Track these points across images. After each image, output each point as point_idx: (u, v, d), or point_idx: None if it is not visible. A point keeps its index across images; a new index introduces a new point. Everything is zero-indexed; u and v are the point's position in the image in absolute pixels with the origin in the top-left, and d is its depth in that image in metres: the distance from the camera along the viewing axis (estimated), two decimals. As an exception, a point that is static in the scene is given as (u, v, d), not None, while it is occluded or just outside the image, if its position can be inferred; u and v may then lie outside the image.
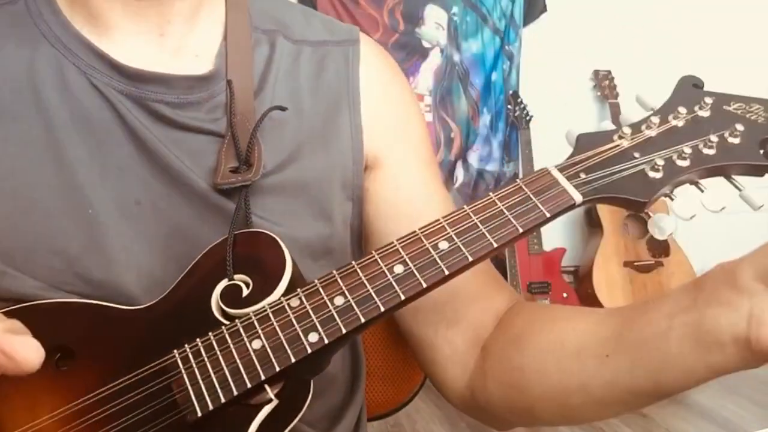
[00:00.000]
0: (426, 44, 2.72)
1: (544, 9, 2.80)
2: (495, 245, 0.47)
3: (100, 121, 0.53)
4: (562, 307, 0.58)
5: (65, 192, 0.52)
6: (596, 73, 2.87)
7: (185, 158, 0.54)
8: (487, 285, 0.61)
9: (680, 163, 0.49)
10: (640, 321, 0.46)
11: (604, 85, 2.82)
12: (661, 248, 2.65)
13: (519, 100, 2.72)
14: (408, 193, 0.63)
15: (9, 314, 0.47)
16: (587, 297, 2.67)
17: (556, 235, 2.81)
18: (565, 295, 2.69)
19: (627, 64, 2.87)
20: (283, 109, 0.57)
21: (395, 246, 0.48)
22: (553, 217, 0.48)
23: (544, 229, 2.61)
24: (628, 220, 2.67)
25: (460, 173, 2.79)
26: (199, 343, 0.46)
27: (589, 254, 2.71)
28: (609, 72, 2.86)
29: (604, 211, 2.64)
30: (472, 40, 2.76)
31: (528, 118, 2.68)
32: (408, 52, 2.69)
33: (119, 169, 0.53)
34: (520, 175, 2.78)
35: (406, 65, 2.69)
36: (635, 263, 2.64)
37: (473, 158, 2.79)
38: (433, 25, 2.72)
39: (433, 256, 0.47)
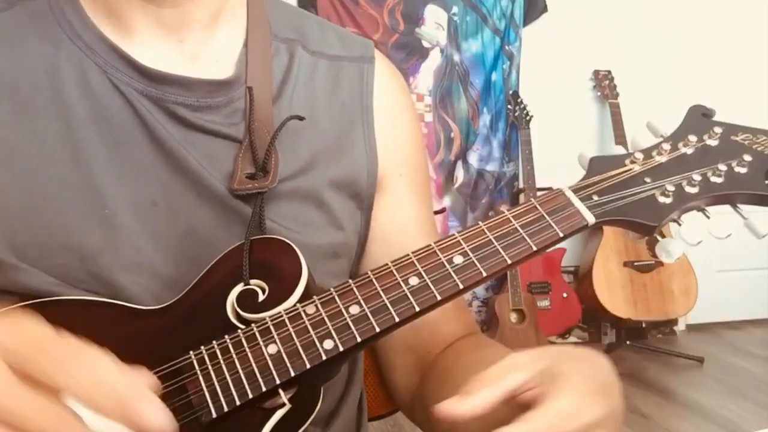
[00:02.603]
0: (426, 44, 2.72)
1: (544, 9, 2.81)
2: (509, 262, 0.48)
3: (119, 121, 0.54)
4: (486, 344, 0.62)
5: (81, 190, 0.52)
6: (596, 73, 2.88)
7: (203, 160, 0.55)
8: (447, 311, 0.62)
9: (689, 189, 0.50)
10: None
11: (604, 85, 2.83)
12: (660, 248, 2.66)
13: (519, 100, 2.72)
14: (401, 224, 0.65)
15: (28, 309, 0.47)
16: (587, 297, 2.68)
17: (554, 235, 2.81)
18: (564, 295, 2.69)
19: (627, 64, 2.88)
20: (301, 118, 0.57)
21: (411, 258, 0.49)
22: (566, 236, 0.49)
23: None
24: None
25: (460, 173, 2.80)
26: (215, 346, 0.47)
27: (589, 254, 2.71)
28: (609, 72, 2.87)
29: (603, 210, 2.66)
30: (472, 40, 2.76)
31: (528, 118, 2.68)
32: (408, 52, 2.69)
33: (137, 168, 0.54)
34: (520, 175, 2.78)
35: (406, 65, 2.69)
36: (635, 263, 2.65)
37: (473, 158, 2.80)
38: (433, 25, 2.72)
39: (447, 270, 0.48)
